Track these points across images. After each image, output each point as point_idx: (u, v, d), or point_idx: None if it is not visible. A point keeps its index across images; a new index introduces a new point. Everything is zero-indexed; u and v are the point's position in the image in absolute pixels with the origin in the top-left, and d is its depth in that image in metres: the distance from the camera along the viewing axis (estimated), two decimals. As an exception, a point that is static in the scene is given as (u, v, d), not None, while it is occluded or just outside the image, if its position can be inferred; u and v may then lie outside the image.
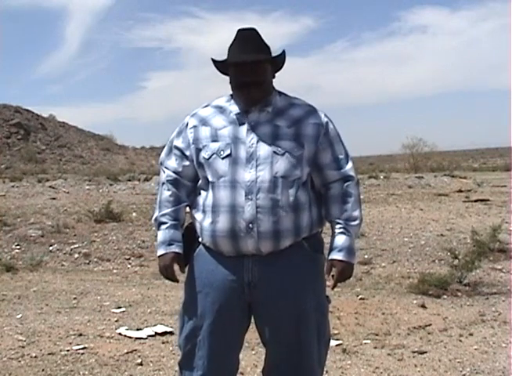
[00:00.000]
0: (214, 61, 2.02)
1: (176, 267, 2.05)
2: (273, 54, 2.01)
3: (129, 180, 18.73)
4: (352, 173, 2.04)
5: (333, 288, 2.06)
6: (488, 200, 11.88)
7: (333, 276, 2.03)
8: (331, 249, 2.01)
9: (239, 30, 1.99)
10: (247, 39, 1.96)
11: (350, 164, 2.05)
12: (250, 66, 1.92)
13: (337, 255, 1.99)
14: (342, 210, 2.00)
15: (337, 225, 2.01)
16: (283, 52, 2.00)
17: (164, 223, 2.04)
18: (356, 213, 2.01)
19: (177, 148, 2.06)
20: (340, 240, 1.99)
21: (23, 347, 3.73)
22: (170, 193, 2.05)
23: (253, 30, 1.99)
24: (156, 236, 2.09)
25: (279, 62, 2.02)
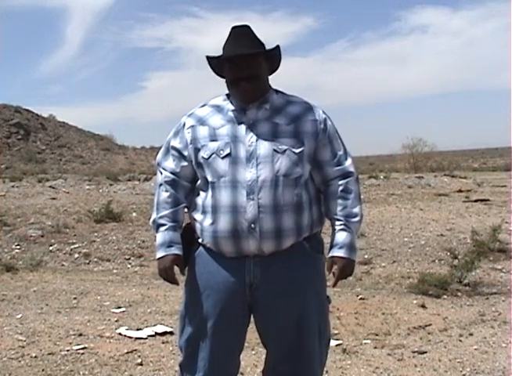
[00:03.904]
0: (208, 60, 2.01)
1: (176, 269, 2.04)
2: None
3: (129, 180, 18.69)
4: (352, 169, 2.04)
5: (334, 286, 2.04)
6: (488, 200, 11.86)
7: (333, 273, 2.01)
8: (332, 246, 2.00)
9: (233, 28, 1.99)
10: (240, 35, 1.96)
11: (349, 160, 2.04)
12: (244, 60, 1.92)
13: (338, 252, 1.98)
14: (342, 206, 1.99)
15: (338, 222, 2.00)
16: (277, 46, 1.99)
17: (163, 225, 2.01)
18: (357, 209, 2.00)
19: (174, 148, 2.04)
20: (341, 236, 1.98)
21: (23, 347, 3.73)
22: (168, 194, 2.03)
23: (246, 26, 1.99)
24: (155, 237, 2.07)
25: (274, 59, 2.01)
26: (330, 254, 1.99)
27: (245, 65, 1.92)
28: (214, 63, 2.01)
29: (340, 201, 2.00)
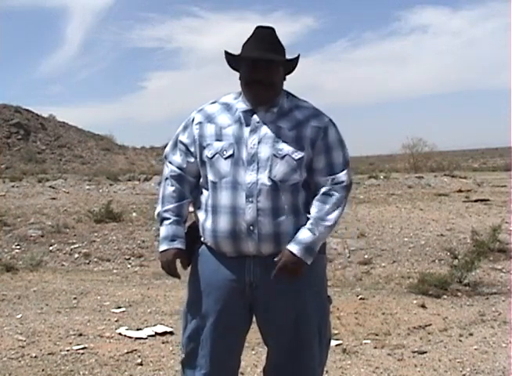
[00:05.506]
0: (227, 55, 2.00)
1: (178, 264, 2.05)
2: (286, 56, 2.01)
3: (129, 180, 18.66)
4: (344, 178, 1.98)
5: (273, 276, 1.91)
6: (488, 200, 11.85)
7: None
8: (291, 240, 1.92)
9: (258, 28, 1.99)
10: (264, 38, 1.96)
11: (344, 172, 1.99)
12: (263, 65, 1.92)
13: (291, 247, 1.90)
14: (318, 209, 1.95)
15: (308, 221, 1.94)
16: (298, 56, 1.99)
17: (167, 219, 2.03)
18: (331, 215, 1.94)
19: (182, 143, 2.06)
20: (303, 235, 1.91)
21: (23, 347, 3.73)
22: (173, 188, 2.05)
23: (271, 29, 1.99)
24: (156, 235, 2.09)
25: (292, 65, 2.02)
26: (286, 246, 1.91)
27: (264, 69, 1.92)
28: (231, 58, 2.01)
29: (317, 203, 1.96)
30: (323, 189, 1.97)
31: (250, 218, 1.89)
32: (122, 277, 6.23)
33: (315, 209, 1.96)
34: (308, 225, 1.94)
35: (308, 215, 1.96)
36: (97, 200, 12.21)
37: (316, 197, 1.98)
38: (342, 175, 1.98)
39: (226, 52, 2.00)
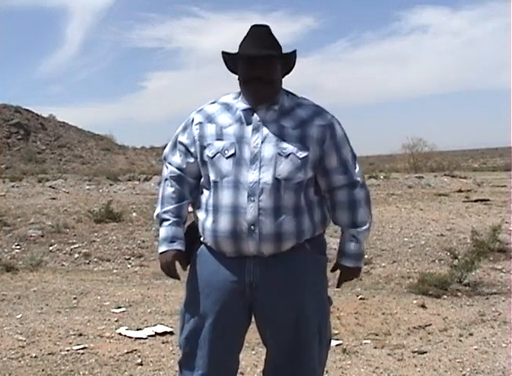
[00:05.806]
0: (224, 55, 2.00)
1: (178, 265, 2.05)
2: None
3: (129, 180, 18.67)
4: (359, 178, 2.02)
5: (337, 287, 2.17)
6: (488, 200, 11.87)
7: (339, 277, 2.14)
8: (340, 253, 2.08)
9: (253, 26, 1.98)
10: (260, 35, 1.95)
11: (357, 168, 2.03)
12: (260, 61, 1.91)
13: (345, 262, 2.07)
14: (350, 218, 2.01)
15: (346, 233, 2.04)
16: (295, 51, 1.98)
17: (167, 220, 2.03)
18: (364, 218, 2.03)
19: (182, 144, 2.05)
20: (349, 247, 2.04)
21: (23, 347, 3.73)
22: (173, 189, 2.04)
23: (266, 27, 1.99)
24: (156, 235, 2.09)
25: (289, 62, 2.01)
26: (339, 262, 2.09)
27: (261, 66, 1.91)
28: (229, 58, 2.00)
29: (347, 212, 2.01)
30: (343, 197, 2.01)
31: (251, 217, 1.88)
32: (122, 277, 6.22)
33: (345, 218, 2.02)
34: (348, 236, 2.04)
35: (344, 227, 2.05)
36: (97, 200, 12.22)
37: (337, 205, 2.02)
38: (356, 174, 2.03)
39: (223, 52, 1.99)
